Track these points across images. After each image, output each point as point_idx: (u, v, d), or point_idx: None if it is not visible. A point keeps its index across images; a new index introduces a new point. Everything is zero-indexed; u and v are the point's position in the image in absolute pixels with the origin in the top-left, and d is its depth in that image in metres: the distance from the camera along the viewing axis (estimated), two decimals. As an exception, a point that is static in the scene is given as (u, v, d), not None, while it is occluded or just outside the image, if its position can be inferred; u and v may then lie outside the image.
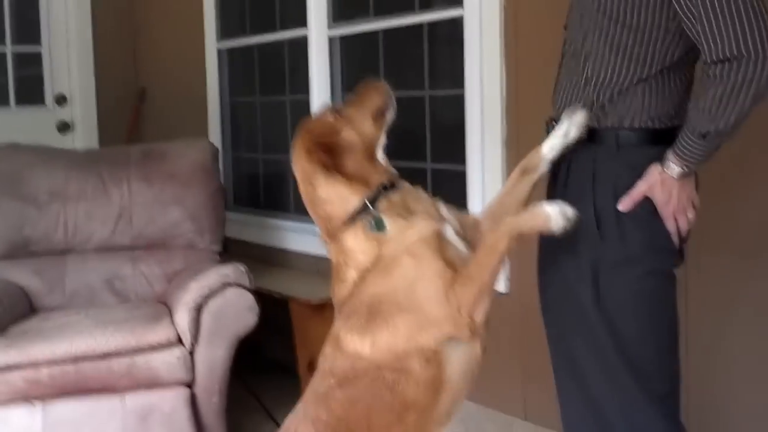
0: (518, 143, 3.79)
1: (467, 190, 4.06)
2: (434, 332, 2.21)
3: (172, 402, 3.74)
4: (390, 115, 2.46)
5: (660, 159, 2.19)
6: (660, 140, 2.21)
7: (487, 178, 3.94)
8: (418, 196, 2.40)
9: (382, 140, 2.45)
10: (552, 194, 2.41)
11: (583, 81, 2.32)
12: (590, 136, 2.30)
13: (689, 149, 2.13)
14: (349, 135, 2.38)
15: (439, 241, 2.26)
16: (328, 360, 2.39)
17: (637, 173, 2.21)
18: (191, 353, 3.79)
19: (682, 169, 2.17)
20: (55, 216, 4.46)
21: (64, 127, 6.15)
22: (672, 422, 2.32)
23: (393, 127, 4.43)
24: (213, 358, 3.82)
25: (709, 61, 2.05)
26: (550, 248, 2.40)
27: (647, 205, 2.22)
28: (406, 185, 2.42)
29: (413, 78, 4.49)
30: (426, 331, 2.21)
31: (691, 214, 2.26)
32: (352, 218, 2.31)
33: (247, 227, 5.45)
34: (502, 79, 3.84)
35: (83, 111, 6.22)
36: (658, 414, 2.29)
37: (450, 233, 2.31)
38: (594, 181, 2.27)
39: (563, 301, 2.39)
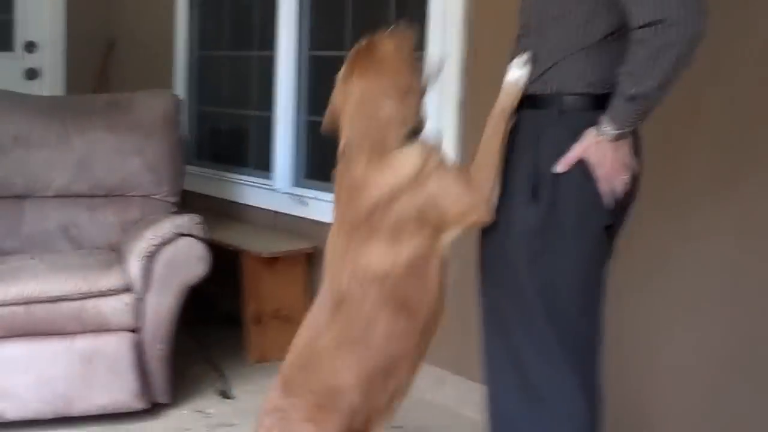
0: (473, 106, 3.89)
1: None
2: (460, 225, 2.44)
3: (118, 346, 3.83)
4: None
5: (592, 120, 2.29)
6: (600, 106, 2.27)
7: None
8: None
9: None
10: None
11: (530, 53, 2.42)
12: (534, 102, 2.40)
13: (619, 112, 2.22)
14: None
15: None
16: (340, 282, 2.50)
17: (578, 137, 2.29)
18: (140, 300, 3.87)
19: (615, 131, 2.25)
20: (17, 161, 4.51)
21: (31, 74, 6.18)
22: (586, 378, 2.42)
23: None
24: (161, 305, 3.90)
25: (634, 26, 2.13)
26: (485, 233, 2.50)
27: (583, 167, 2.30)
28: None
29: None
30: (452, 226, 2.43)
31: (625, 176, 2.34)
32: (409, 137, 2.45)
33: (207, 181, 5.52)
34: (462, 43, 3.94)
35: (51, 58, 6.24)
36: (574, 368, 2.38)
37: None
38: (537, 144, 2.35)
39: (496, 256, 2.47)
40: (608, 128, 2.25)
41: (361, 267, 2.45)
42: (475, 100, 3.89)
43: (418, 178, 2.41)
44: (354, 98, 2.54)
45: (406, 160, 2.43)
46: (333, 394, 2.49)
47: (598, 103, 2.28)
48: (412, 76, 2.50)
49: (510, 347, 2.45)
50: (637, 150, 2.39)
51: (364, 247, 2.44)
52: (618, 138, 2.27)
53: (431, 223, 2.42)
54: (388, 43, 2.51)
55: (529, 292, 2.37)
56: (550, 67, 2.36)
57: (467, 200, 2.41)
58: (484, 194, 2.40)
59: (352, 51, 2.58)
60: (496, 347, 2.52)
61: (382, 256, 2.42)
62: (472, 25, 3.90)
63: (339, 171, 2.58)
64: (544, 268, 2.36)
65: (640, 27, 2.12)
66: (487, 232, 2.50)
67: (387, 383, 2.53)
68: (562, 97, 2.35)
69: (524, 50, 2.44)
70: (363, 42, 2.56)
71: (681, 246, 3.26)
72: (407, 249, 2.42)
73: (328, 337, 2.53)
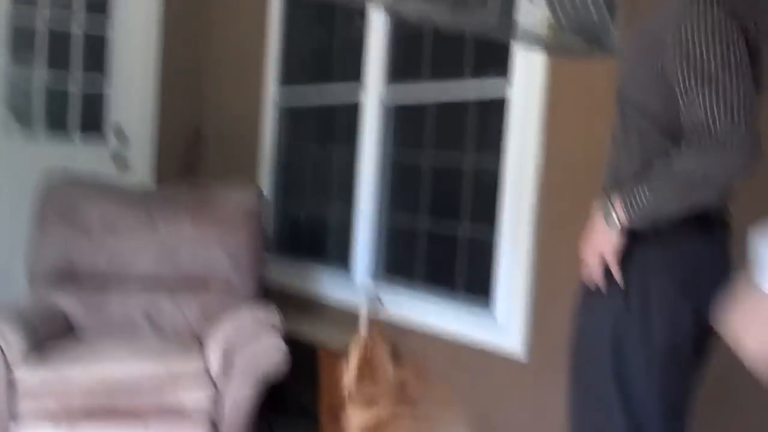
0: (547, 215, 3.94)
1: (495, 259, 4.21)
2: None
3: (195, 435, 3.87)
4: None
5: (689, 242, 2.35)
6: (689, 224, 2.33)
7: (515, 246, 4.09)
8: None
9: None
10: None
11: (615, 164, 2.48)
12: None
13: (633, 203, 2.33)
14: None
15: None
16: None
17: (666, 253, 2.35)
18: (219, 390, 3.91)
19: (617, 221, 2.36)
20: (104, 247, 4.65)
21: (121, 162, 6.34)
22: None
23: (436, 192, 4.62)
24: (240, 396, 3.94)
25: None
26: (582, 320, 2.53)
27: (674, 283, 2.34)
28: None
29: (457, 146, 4.65)
30: None
31: (585, 256, 2.45)
32: None
33: (288, 274, 5.57)
34: (538, 154, 3.97)
35: (140, 147, 6.40)
36: None
37: None
38: (629, 256, 2.39)
39: (583, 366, 2.52)
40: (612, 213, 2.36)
41: None
42: (547, 213, 3.93)
43: None
44: None
45: None
46: None
47: (689, 222, 2.33)
48: None
49: None
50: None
51: None
52: (615, 227, 2.36)
53: None
54: None
55: (614, 397, 2.40)
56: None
57: None
58: None
59: None
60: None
61: None
62: (549, 140, 3.95)
63: None
64: (630, 375, 2.39)
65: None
66: (576, 337, 2.55)
67: None
68: None
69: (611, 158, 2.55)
70: None
71: None
72: None
73: None
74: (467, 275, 4.56)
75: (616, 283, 2.40)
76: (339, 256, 5.37)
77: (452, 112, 4.64)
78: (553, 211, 3.91)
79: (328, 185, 5.62)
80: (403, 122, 5.04)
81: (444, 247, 4.71)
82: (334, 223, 5.54)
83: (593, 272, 2.43)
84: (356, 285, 5.07)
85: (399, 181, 5.06)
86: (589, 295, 2.51)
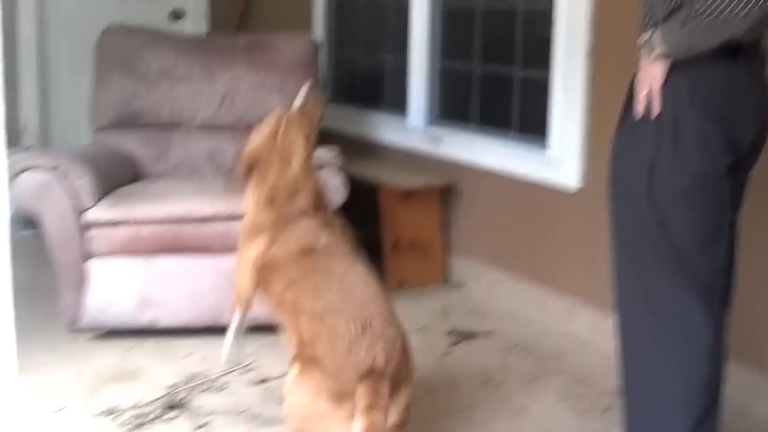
0: (601, 54, 3.98)
1: (549, 97, 4.28)
2: None
3: (261, 265, 4.00)
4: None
5: (718, 72, 2.41)
6: (718, 55, 2.37)
7: (568, 86, 4.15)
8: None
9: None
10: None
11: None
12: None
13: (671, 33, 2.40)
14: None
15: None
16: None
17: (696, 81, 2.41)
18: (282, 223, 4.04)
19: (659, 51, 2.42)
20: (164, 93, 4.75)
21: (176, 15, 6.43)
22: (712, 309, 2.51)
23: (489, 36, 4.65)
24: (303, 229, 4.06)
25: None
26: (619, 144, 2.61)
27: (700, 109, 2.41)
28: None
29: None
30: None
31: (643, 90, 2.48)
32: None
33: (344, 120, 5.66)
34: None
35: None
36: (699, 298, 2.49)
37: None
38: (665, 86, 2.44)
39: (622, 192, 2.60)
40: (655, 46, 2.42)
41: None
42: (600, 49, 3.96)
43: None
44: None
45: None
46: None
47: (719, 53, 2.37)
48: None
49: (638, 272, 2.58)
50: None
51: None
52: (659, 58, 2.42)
53: None
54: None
55: (651, 222, 2.49)
56: None
57: None
58: None
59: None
60: (626, 272, 2.63)
61: None
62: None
63: None
64: (664, 201, 2.47)
65: None
66: (614, 165, 2.62)
67: None
68: None
69: None
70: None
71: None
72: None
73: None
74: (522, 116, 4.64)
75: (650, 114, 2.46)
76: (395, 101, 5.45)
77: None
78: (606, 49, 3.95)
79: (381, 33, 5.65)
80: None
81: (498, 89, 4.77)
82: (389, 69, 5.60)
83: (640, 103, 2.49)
84: (412, 128, 5.15)
85: (451, 26, 5.10)
86: (626, 125, 2.58)
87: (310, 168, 3.11)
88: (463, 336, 4.20)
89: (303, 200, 3.00)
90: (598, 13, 3.99)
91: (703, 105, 2.41)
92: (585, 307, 4.12)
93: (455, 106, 5.09)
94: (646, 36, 2.47)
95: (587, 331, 4.09)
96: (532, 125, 4.49)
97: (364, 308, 2.65)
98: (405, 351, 2.67)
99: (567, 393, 3.62)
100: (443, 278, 4.95)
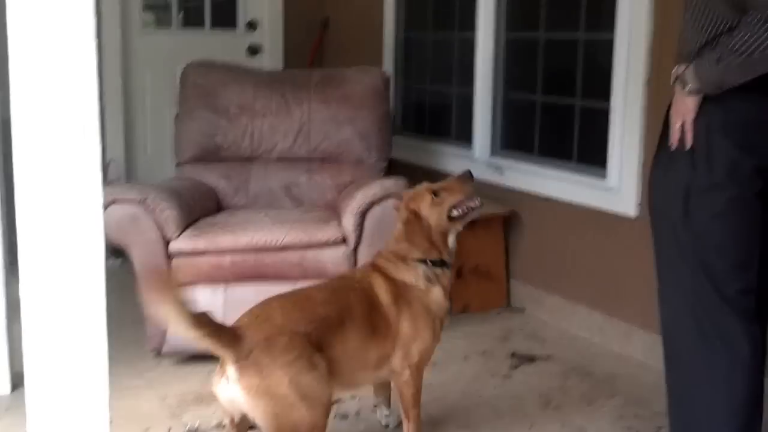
0: (659, 84, 4.10)
1: (609, 126, 4.44)
2: None
3: (335, 291, 4.25)
4: (468, 210, 3.40)
5: (748, 104, 2.55)
6: (749, 88, 2.50)
7: (627, 116, 4.31)
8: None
9: (455, 228, 3.42)
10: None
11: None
12: None
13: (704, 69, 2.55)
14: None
15: None
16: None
17: (729, 109, 2.56)
18: (354, 251, 4.28)
19: (691, 86, 2.59)
20: (243, 128, 5.01)
21: (253, 50, 6.71)
22: (747, 333, 2.68)
23: (550, 68, 4.81)
24: (371, 256, 4.29)
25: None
26: (657, 172, 2.80)
27: (731, 140, 2.57)
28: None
29: (570, 21, 4.84)
30: None
31: (677, 123, 2.65)
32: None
33: (412, 150, 5.91)
34: (649, 25, 4.17)
35: (271, 36, 6.75)
36: (737, 317, 2.66)
37: None
38: (697, 118, 2.62)
39: (660, 218, 2.79)
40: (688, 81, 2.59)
41: None
42: (658, 79, 4.09)
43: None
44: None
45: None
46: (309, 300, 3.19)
47: (748, 85, 2.50)
48: None
49: (679, 293, 2.76)
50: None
51: None
52: (691, 93, 2.59)
53: None
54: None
55: (687, 246, 2.68)
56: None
57: None
58: None
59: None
60: (668, 293, 2.82)
61: None
62: (659, 9, 4.12)
63: None
64: (700, 225, 2.65)
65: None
66: (652, 192, 2.82)
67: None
68: None
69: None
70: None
71: None
72: None
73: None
74: (581, 145, 4.81)
75: (684, 145, 2.63)
76: (460, 132, 5.66)
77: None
78: (664, 79, 4.05)
79: (447, 65, 5.86)
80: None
81: (559, 120, 4.96)
82: (454, 101, 5.80)
83: (674, 134, 2.67)
84: (477, 158, 5.35)
85: (514, 58, 5.30)
86: (662, 154, 2.76)
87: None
88: (523, 359, 4.37)
89: None
90: (656, 44, 4.14)
91: (735, 135, 2.56)
92: (640, 330, 4.29)
93: (518, 137, 5.29)
94: (679, 69, 2.64)
95: (642, 354, 4.26)
96: (591, 154, 4.65)
97: None
98: None
99: (622, 413, 3.78)
100: (505, 303, 5.16)
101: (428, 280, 3.33)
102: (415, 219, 3.34)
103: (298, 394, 2.79)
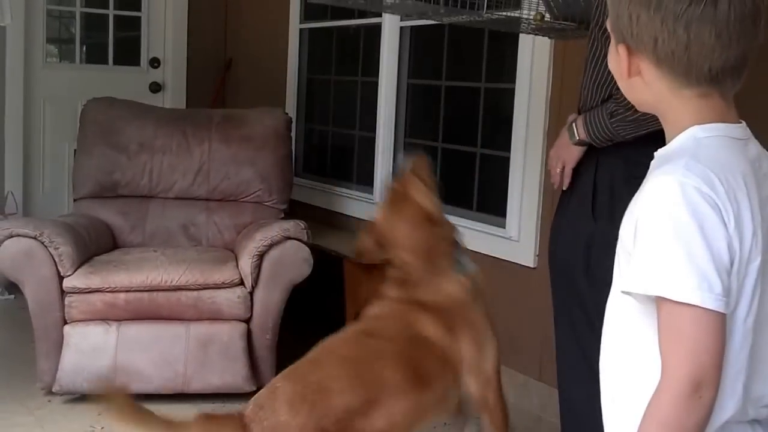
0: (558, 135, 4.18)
1: (509, 176, 4.47)
2: None
3: (230, 334, 4.20)
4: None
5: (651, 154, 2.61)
6: (652, 138, 2.48)
7: (526, 166, 4.35)
8: None
9: None
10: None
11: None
12: None
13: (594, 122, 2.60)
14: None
15: None
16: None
17: (631, 163, 2.54)
18: (251, 294, 4.25)
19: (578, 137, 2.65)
20: (143, 165, 4.96)
21: (155, 88, 6.68)
22: None
23: (452, 115, 4.84)
24: (269, 299, 4.26)
25: None
26: (558, 225, 2.83)
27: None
28: None
29: (472, 70, 4.91)
30: None
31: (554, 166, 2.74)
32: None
33: (313, 192, 5.92)
34: (549, 77, 4.22)
35: (174, 74, 6.75)
36: None
37: None
38: (596, 169, 2.66)
39: (561, 268, 2.80)
40: (576, 132, 2.65)
41: None
42: (558, 129, 4.16)
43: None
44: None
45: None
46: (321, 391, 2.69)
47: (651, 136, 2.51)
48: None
49: (578, 346, 2.74)
50: None
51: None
52: (578, 144, 2.66)
53: None
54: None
55: (588, 299, 2.65)
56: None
57: None
58: None
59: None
60: (567, 346, 2.83)
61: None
62: (558, 63, 4.16)
63: None
64: (601, 279, 2.68)
65: None
66: (554, 242, 2.84)
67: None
68: None
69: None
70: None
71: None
72: None
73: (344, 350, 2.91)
74: (482, 195, 4.86)
75: (586, 189, 2.66)
76: (362, 175, 5.69)
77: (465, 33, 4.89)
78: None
79: (349, 109, 5.90)
80: (420, 47, 5.31)
81: (460, 168, 5.01)
82: (357, 144, 5.84)
83: (555, 177, 2.73)
84: (378, 202, 5.36)
85: (417, 106, 5.35)
86: (565, 203, 2.79)
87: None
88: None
89: None
90: (555, 94, 4.17)
91: (639, 185, 2.61)
92: (537, 383, 4.30)
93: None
94: (571, 118, 2.70)
95: (538, 407, 4.26)
96: (491, 204, 4.68)
97: None
98: None
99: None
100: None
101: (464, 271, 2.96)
102: (424, 221, 3.03)
103: None
